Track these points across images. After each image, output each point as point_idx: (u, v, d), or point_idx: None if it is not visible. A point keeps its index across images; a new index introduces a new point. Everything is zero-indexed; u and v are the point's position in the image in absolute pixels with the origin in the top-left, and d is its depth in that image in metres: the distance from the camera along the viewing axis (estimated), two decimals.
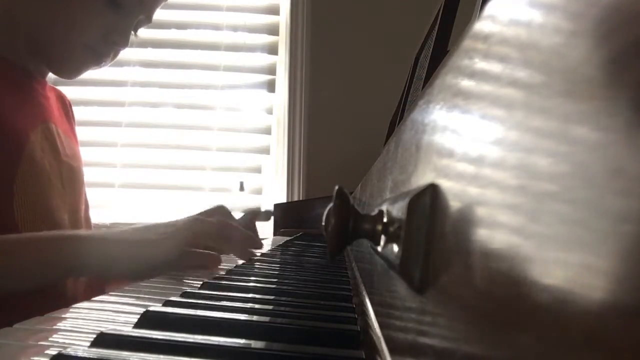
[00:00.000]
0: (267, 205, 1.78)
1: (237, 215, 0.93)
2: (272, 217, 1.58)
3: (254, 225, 1.00)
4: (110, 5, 0.79)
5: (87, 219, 0.94)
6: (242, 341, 0.32)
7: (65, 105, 0.95)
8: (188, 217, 0.75)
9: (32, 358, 0.30)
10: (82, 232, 0.84)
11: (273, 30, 1.87)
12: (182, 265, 0.68)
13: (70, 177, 0.84)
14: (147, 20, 0.87)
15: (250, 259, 0.77)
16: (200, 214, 0.78)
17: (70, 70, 0.84)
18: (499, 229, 0.13)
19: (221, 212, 0.80)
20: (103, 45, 0.82)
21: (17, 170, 0.73)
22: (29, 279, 0.63)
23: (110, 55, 0.85)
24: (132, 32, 0.86)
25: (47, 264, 0.64)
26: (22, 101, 0.79)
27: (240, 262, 0.77)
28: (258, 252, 0.90)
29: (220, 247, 0.77)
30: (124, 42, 0.83)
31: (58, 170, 0.81)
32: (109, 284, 0.83)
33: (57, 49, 0.80)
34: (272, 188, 1.82)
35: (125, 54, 1.96)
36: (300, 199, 1.78)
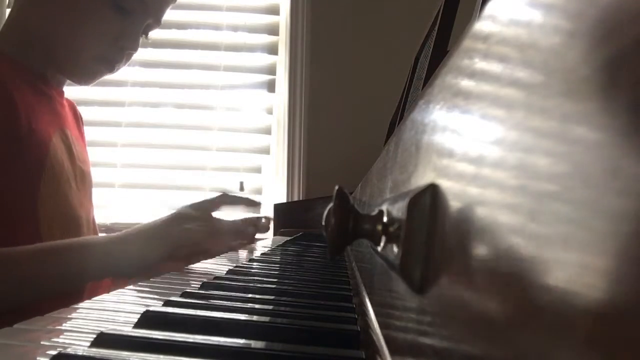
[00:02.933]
0: (268, 206, 1.78)
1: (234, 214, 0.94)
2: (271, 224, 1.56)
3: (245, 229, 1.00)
4: (118, 12, 0.82)
5: (93, 219, 0.98)
6: (242, 341, 0.32)
7: (77, 116, 0.99)
8: (174, 222, 0.77)
9: (31, 358, 0.30)
10: (95, 238, 0.88)
11: (273, 30, 1.87)
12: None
13: (82, 180, 0.88)
14: (156, 24, 0.90)
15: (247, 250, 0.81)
16: (189, 207, 0.82)
17: (85, 79, 0.87)
18: (499, 229, 0.13)
19: (206, 207, 0.83)
20: (114, 53, 0.85)
21: (44, 168, 0.76)
22: (54, 286, 0.67)
23: (123, 60, 0.88)
24: (143, 36, 0.88)
25: (68, 272, 0.69)
26: (44, 106, 0.82)
27: (242, 261, 0.77)
28: (258, 252, 0.90)
29: (211, 248, 0.81)
30: (133, 47, 0.87)
31: (73, 173, 0.85)
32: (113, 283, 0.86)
33: (71, 62, 0.84)
34: (272, 188, 1.82)
35: None
36: (300, 199, 1.77)
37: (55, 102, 0.87)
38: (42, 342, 0.33)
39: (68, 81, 0.91)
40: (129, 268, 0.73)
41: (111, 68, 0.87)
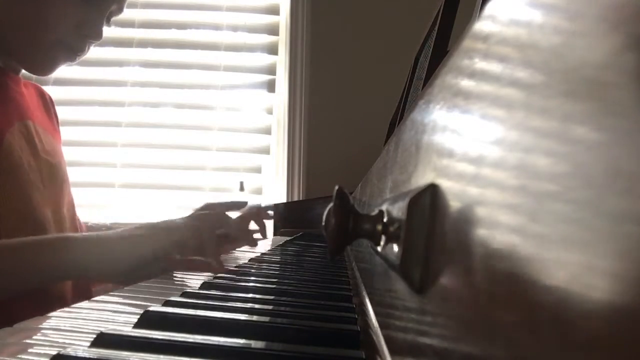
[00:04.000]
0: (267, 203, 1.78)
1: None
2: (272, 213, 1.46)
3: (247, 224, 0.96)
4: None
5: (73, 216, 0.92)
6: (242, 341, 0.32)
7: (46, 101, 0.93)
8: (173, 222, 0.73)
9: (31, 358, 0.30)
10: (65, 235, 0.82)
11: (273, 30, 1.87)
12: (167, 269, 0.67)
13: (50, 175, 0.83)
14: (118, 11, 0.85)
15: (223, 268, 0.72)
16: (189, 217, 0.77)
17: (43, 67, 0.82)
18: (499, 229, 0.13)
19: (205, 217, 0.77)
20: (76, 40, 0.80)
21: None
22: (16, 284, 0.63)
23: (84, 49, 0.83)
24: (105, 23, 0.83)
25: (34, 269, 0.63)
26: None
27: (242, 262, 0.77)
28: (258, 252, 0.89)
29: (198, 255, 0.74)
30: (96, 35, 0.81)
31: (37, 168, 0.79)
32: (94, 285, 0.83)
33: (28, 46, 0.79)
34: (272, 188, 1.82)
35: (125, 54, 1.95)
36: (300, 199, 1.77)
37: (12, 91, 0.81)
38: (41, 342, 0.33)
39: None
40: (109, 269, 0.68)
41: (72, 57, 0.82)
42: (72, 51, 0.81)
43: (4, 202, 0.72)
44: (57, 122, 0.96)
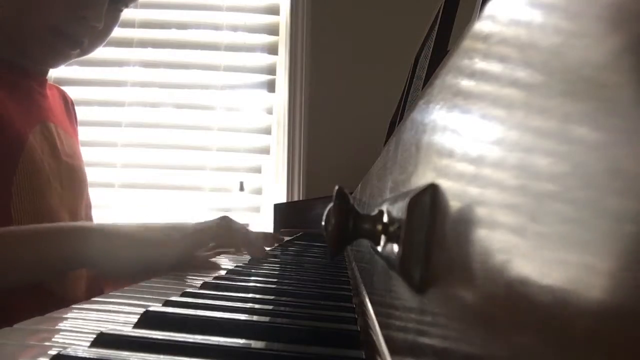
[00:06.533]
0: (268, 206, 1.78)
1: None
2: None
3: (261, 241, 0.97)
4: None
5: (89, 218, 0.93)
6: (242, 341, 0.32)
7: (67, 104, 0.94)
8: (197, 225, 0.74)
9: (32, 358, 0.30)
10: (89, 223, 0.83)
11: (273, 30, 1.87)
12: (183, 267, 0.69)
13: (69, 177, 0.83)
14: None
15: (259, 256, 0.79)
16: (205, 223, 0.78)
17: (45, 57, 0.79)
18: (499, 229, 0.13)
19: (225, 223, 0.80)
20: (73, 23, 0.76)
21: (15, 171, 0.72)
22: (32, 271, 0.63)
23: (87, 34, 0.78)
24: (122, 5, 0.81)
25: (50, 256, 0.63)
26: (21, 101, 0.77)
27: (240, 262, 0.77)
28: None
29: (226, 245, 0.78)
30: (96, 17, 0.76)
31: (57, 171, 0.80)
32: (108, 284, 0.83)
33: (26, 36, 0.76)
34: (272, 188, 1.82)
35: (125, 54, 1.96)
36: (300, 199, 1.78)
37: (36, 93, 0.81)
38: (42, 342, 0.33)
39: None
40: (134, 263, 0.69)
41: (74, 43, 0.78)
42: (72, 38, 0.77)
43: (20, 203, 0.72)
44: (77, 124, 0.96)
